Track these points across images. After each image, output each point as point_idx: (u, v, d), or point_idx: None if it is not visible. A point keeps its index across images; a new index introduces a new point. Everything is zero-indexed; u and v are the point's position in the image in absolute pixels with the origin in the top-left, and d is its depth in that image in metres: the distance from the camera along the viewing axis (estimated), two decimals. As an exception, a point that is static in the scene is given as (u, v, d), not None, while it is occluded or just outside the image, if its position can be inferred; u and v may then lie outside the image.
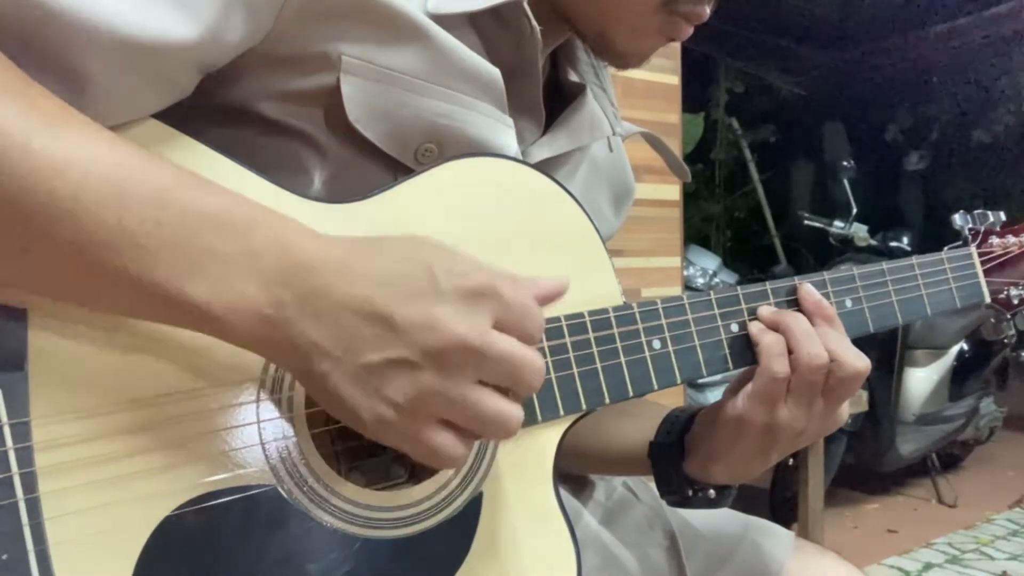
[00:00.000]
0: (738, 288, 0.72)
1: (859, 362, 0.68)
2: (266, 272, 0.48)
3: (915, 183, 6.61)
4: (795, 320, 0.69)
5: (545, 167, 0.69)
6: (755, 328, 0.70)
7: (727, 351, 0.71)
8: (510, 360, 0.50)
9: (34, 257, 0.47)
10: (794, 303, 0.73)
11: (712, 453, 0.74)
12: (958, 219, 0.92)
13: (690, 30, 0.72)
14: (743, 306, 0.72)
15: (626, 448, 0.82)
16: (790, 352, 0.68)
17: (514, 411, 0.51)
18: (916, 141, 6.55)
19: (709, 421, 0.75)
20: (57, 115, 0.47)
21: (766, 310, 0.71)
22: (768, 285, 0.73)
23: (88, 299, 0.49)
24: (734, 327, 0.71)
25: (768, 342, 0.68)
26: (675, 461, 0.77)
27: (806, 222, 3.77)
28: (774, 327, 0.70)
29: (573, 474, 0.93)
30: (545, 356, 0.62)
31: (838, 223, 3.62)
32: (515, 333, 0.51)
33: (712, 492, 0.77)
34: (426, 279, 0.49)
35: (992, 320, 0.90)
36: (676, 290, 2.30)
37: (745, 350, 0.71)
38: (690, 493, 0.77)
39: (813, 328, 0.69)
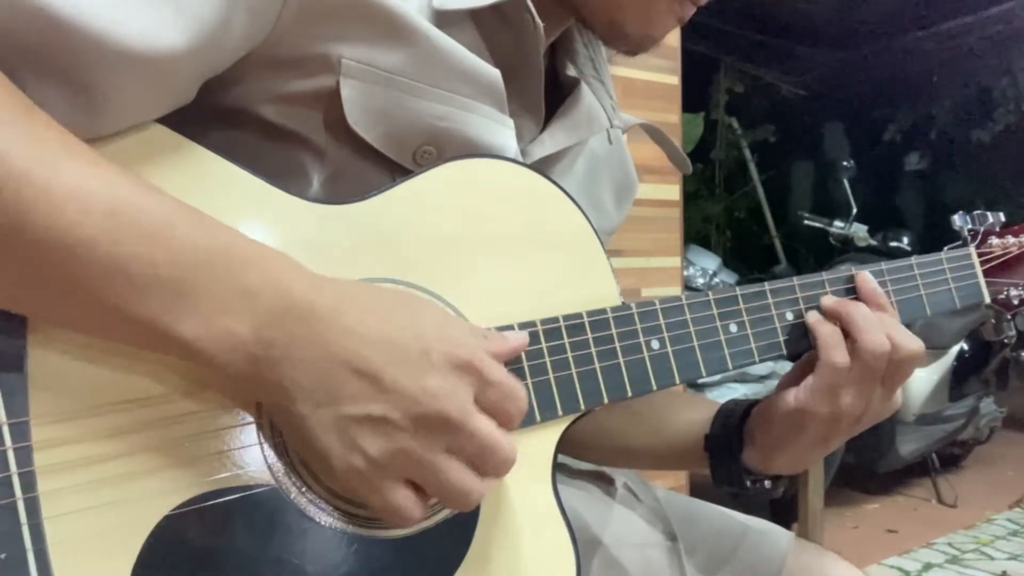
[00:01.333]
0: (736, 288, 0.72)
1: (914, 344, 0.70)
2: (259, 312, 0.49)
3: (915, 183, 6.60)
4: (857, 309, 0.71)
5: (543, 164, 0.69)
6: (812, 318, 0.72)
7: (726, 351, 0.71)
8: (482, 441, 0.52)
9: (29, 287, 0.47)
10: (851, 291, 0.74)
11: (773, 444, 0.75)
12: (957, 220, 0.92)
13: (692, 9, 0.72)
14: (741, 306, 0.72)
15: (681, 442, 0.84)
16: (853, 340, 0.69)
17: (476, 487, 0.53)
18: (916, 141, 6.55)
19: (767, 413, 0.76)
20: (59, 146, 0.47)
21: (829, 299, 0.73)
22: (768, 286, 0.73)
23: (81, 327, 0.50)
24: (732, 327, 0.71)
25: (826, 333, 0.70)
26: (733, 453, 0.78)
27: (806, 222, 3.78)
28: (836, 316, 0.71)
29: (601, 467, 0.95)
30: (543, 357, 0.63)
31: (838, 223, 3.63)
32: (494, 412, 0.53)
33: (768, 482, 0.78)
34: (419, 346, 0.51)
35: (992, 321, 0.90)
36: (676, 290, 2.30)
37: (744, 350, 0.71)
38: (748, 484, 0.78)
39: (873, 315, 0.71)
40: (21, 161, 0.45)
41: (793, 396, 0.72)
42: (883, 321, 0.71)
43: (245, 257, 0.50)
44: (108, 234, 0.46)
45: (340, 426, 0.50)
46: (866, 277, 0.75)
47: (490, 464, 0.53)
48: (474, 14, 0.65)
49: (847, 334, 0.70)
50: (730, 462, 0.78)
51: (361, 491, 0.52)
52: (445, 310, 0.54)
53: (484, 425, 0.52)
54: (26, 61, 0.48)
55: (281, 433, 0.55)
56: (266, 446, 0.55)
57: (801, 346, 0.73)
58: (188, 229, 0.49)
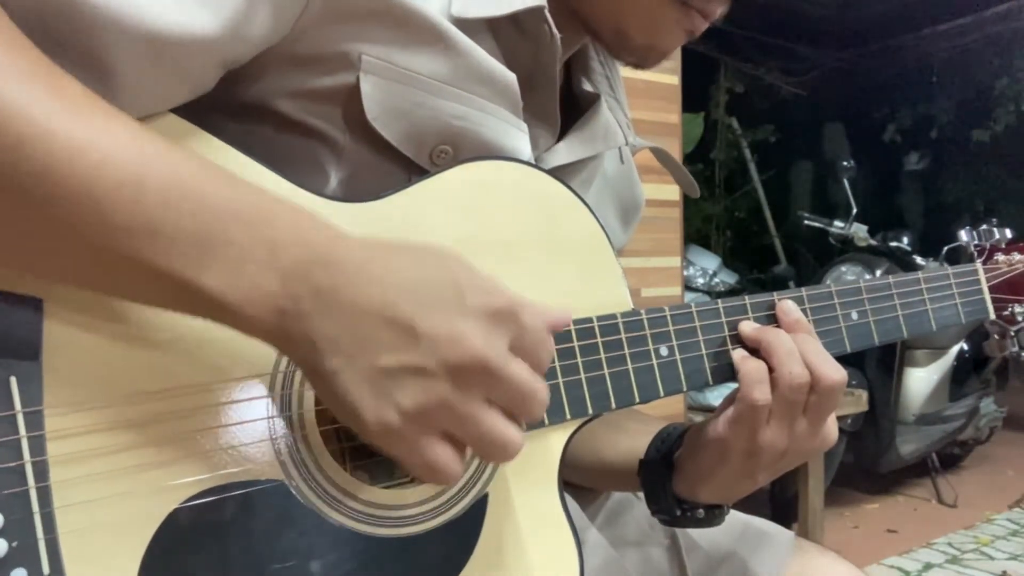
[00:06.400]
0: (746, 297, 0.72)
1: (836, 374, 0.67)
2: (285, 264, 0.48)
3: (915, 183, 6.61)
4: (777, 338, 0.68)
5: (559, 174, 0.69)
6: (737, 356, 0.69)
7: (733, 360, 0.70)
8: (520, 387, 0.50)
9: (51, 240, 0.47)
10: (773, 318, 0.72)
11: (698, 474, 0.73)
12: (964, 235, 0.93)
13: (705, 24, 0.71)
14: (751, 315, 0.71)
15: (620, 464, 0.81)
16: (772, 371, 0.67)
17: (516, 436, 0.51)
18: (916, 141, 6.56)
19: (694, 442, 0.74)
20: (81, 100, 0.47)
21: (747, 326, 0.70)
22: (776, 295, 0.72)
23: (103, 285, 0.49)
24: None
25: (748, 369, 0.67)
26: (663, 480, 0.76)
27: (806, 222, 3.78)
28: (755, 343, 0.69)
29: (568, 482, 0.93)
30: (553, 360, 0.62)
31: (838, 223, 3.63)
32: (528, 359, 0.51)
33: (701, 512, 0.75)
34: (452, 293, 0.49)
35: (996, 337, 0.91)
36: (676, 290, 2.31)
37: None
38: (679, 513, 0.76)
39: (794, 341, 0.68)
40: (43, 112, 0.45)
41: (712, 427, 0.70)
42: (805, 349, 0.68)
43: (272, 211, 0.49)
44: (132, 184, 0.46)
45: (373, 379, 0.48)
46: (787, 307, 0.71)
47: (526, 409, 0.51)
48: (491, 23, 0.65)
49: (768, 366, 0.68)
50: (660, 489, 0.76)
51: (396, 448, 0.50)
52: (471, 262, 0.52)
53: (521, 370, 0.50)
54: (48, 40, 0.48)
55: (292, 427, 0.55)
56: (276, 442, 0.55)
57: (728, 373, 0.70)
58: (214, 182, 0.48)
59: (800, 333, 0.69)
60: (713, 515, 0.76)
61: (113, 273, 0.48)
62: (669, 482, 0.75)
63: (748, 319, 0.71)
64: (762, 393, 0.66)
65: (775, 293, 0.73)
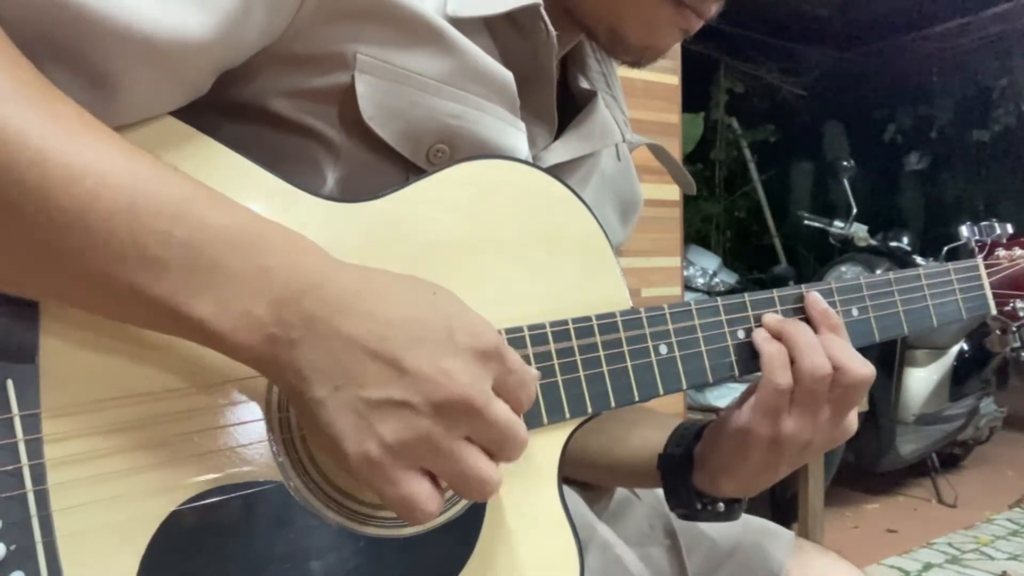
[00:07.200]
0: (745, 295, 0.72)
1: (864, 369, 0.68)
2: (276, 292, 0.48)
3: (915, 183, 6.61)
4: (798, 329, 0.69)
5: (557, 172, 0.69)
6: (759, 336, 0.70)
7: (733, 358, 0.71)
8: (502, 427, 0.50)
9: (44, 264, 0.47)
10: (801, 311, 0.72)
11: (720, 466, 0.74)
12: (965, 231, 0.93)
13: (700, 23, 0.72)
14: (750, 313, 0.71)
15: (635, 460, 0.82)
16: (793, 362, 0.67)
17: (495, 475, 0.51)
18: (916, 141, 6.56)
19: (716, 434, 0.74)
20: (76, 122, 0.47)
21: (771, 318, 0.71)
22: (776, 292, 0.73)
23: (95, 308, 0.49)
24: (741, 334, 0.71)
25: (771, 353, 0.68)
26: (684, 474, 0.77)
27: (806, 222, 3.78)
28: (777, 336, 0.69)
29: (578, 480, 0.93)
30: (552, 359, 0.63)
31: (838, 223, 3.63)
32: (510, 399, 0.52)
33: (721, 506, 0.76)
34: (442, 330, 0.50)
35: (997, 332, 0.91)
36: (676, 290, 2.31)
37: (751, 358, 0.71)
38: (699, 507, 0.76)
39: (817, 337, 0.69)
40: (38, 137, 0.45)
41: (736, 416, 0.70)
42: (828, 343, 0.68)
43: (264, 237, 0.49)
44: (125, 210, 0.46)
45: (357, 410, 0.48)
46: (815, 298, 0.72)
47: (505, 450, 0.51)
48: (488, 22, 0.65)
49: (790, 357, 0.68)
50: (680, 483, 0.77)
51: (374, 481, 0.49)
52: (462, 300, 0.53)
53: (504, 411, 0.51)
54: (44, 47, 0.48)
55: (290, 428, 0.55)
56: (274, 443, 0.55)
57: (752, 366, 0.71)
58: (206, 207, 0.48)
59: (825, 328, 0.70)
60: (732, 509, 0.77)
61: (104, 297, 0.48)
62: (690, 477, 0.76)
63: (750, 315, 0.71)
64: (784, 377, 0.67)
65: (775, 290, 0.73)
